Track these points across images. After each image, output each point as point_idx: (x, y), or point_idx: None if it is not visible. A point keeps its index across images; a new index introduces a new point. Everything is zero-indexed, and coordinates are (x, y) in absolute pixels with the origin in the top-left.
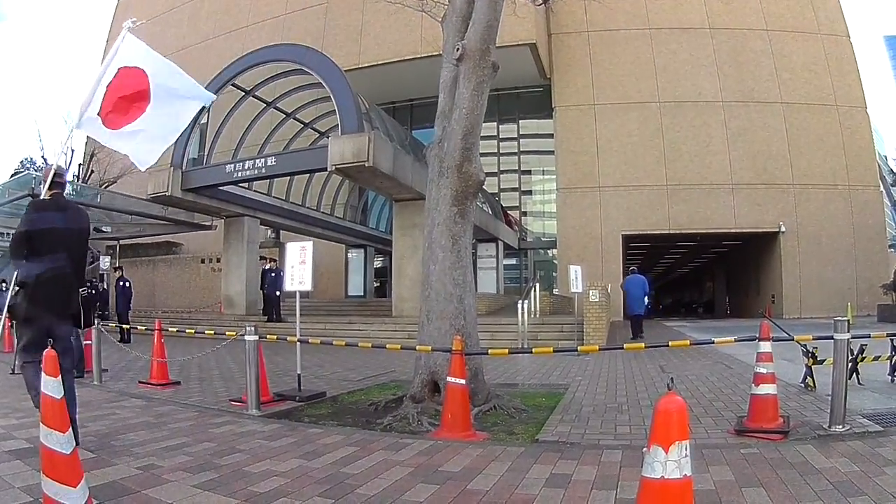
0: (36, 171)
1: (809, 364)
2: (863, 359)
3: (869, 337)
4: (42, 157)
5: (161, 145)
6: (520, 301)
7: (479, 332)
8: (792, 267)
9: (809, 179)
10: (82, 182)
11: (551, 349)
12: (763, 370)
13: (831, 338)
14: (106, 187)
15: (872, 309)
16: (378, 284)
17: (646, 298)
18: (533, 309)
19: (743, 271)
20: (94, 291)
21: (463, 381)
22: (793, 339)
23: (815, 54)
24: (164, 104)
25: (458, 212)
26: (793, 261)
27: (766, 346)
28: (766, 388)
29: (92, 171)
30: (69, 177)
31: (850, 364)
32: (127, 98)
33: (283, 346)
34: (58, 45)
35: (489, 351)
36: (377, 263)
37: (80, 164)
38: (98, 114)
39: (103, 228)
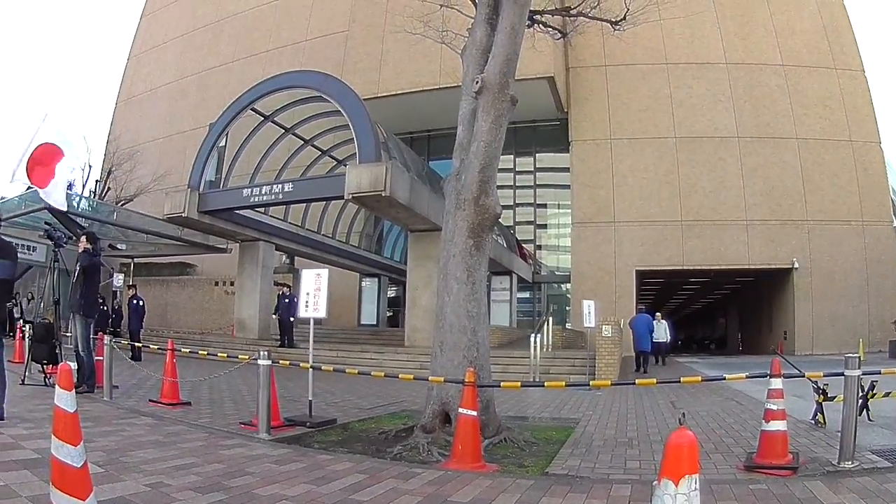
0: None
1: (820, 401)
2: (873, 395)
3: (879, 373)
4: None
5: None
6: (533, 334)
7: (492, 364)
8: (805, 303)
9: (823, 215)
10: (99, 199)
11: (563, 383)
12: (774, 406)
13: (842, 374)
14: (122, 205)
15: (884, 345)
16: (391, 314)
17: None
18: (545, 343)
19: (755, 307)
20: (104, 308)
21: (474, 413)
22: (804, 376)
23: (831, 89)
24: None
25: (473, 244)
26: (805, 297)
27: (776, 383)
28: (777, 425)
29: (108, 188)
30: (86, 192)
31: (860, 400)
32: (46, 163)
33: (295, 371)
34: (79, 60)
35: (501, 383)
36: (391, 293)
37: (97, 181)
38: (26, 173)
39: (118, 246)
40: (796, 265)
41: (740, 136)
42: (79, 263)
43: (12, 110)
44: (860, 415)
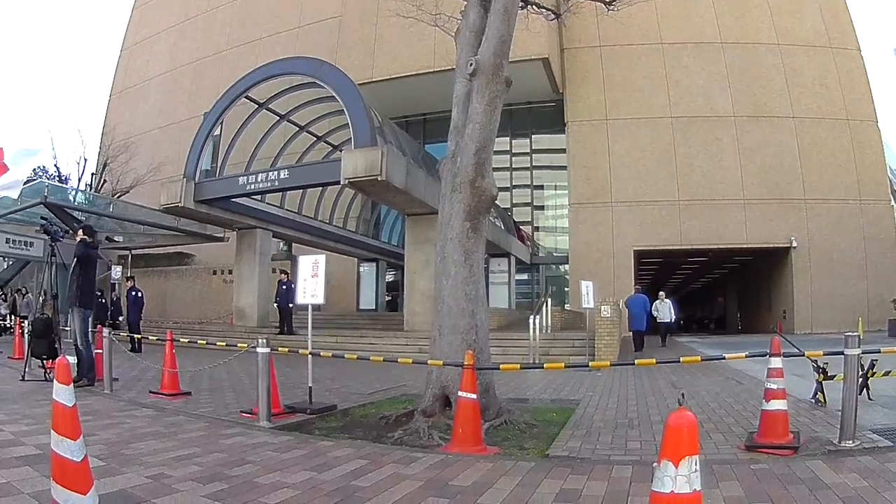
0: (48, 178)
1: (820, 380)
2: (873, 374)
3: (879, 352)
4: (55, 165)
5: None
6: (531, 316)
7: (491, 347)
8: (803, 282)
9: (821, 194)
10: (95, 191)
11: (563, 365)
12: (774, 386)
13: (842, 353)
14: (119, 197)
15: (883, 324)
16: (390, 298)
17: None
18: (544, 324)
19: (754, 287)
20: (102, 300)
21: (474, 396)
22: (803, 355)
23: (827, 68)
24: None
25: (470, 227)
26: (804, 276)
27: (776, 362)
28: (777, 404)
29: (104, 181)
30: (82, 185)
31: (860, 379)
32: None
33: (294, 358)
34: (72, 53)
35: (501, 366)
36: (389, 277)
37: (92, 174)
38: None
39: (115, 238)
40: (794, 244)
41: (736, 116)
42: (75, 255)
43: (9, 103)
44: (860, 394)
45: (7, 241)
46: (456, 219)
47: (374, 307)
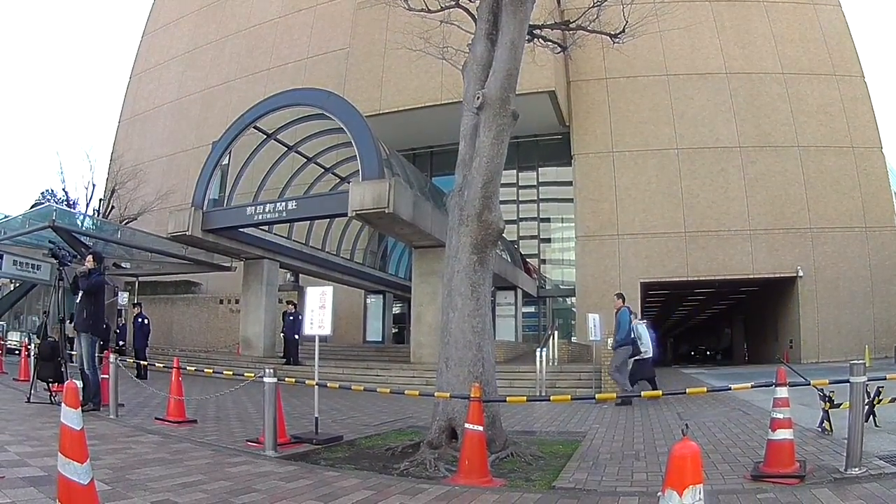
0: (56, 202)
1: (826, 408)
2: (879, 401)
3: (885, 379)
4: (63, 189)
5: None
6: (538, 349)
7: (498, 379)
8: (810, 311)
9: (826, 222)
10: (103, 217)
11: (569, 397)
12: (780, 415)
13: (848, 381)
14: (126, 223)
15: (890, 350)
16: (396, 330)
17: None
18: (551, 357)
19: (761, 317)
20: (106, 326)
21: (480, 428)
22: (809, 384)
23: (831, 96)
24: None
25: (477, 260)
26: (811, 305)
27: (782, 392)
28: (783, 434)
29: (112, 207)
30: (90, 211)
31: (866, 406)
32: None
33: (301, 389)
34: (82, 77)
35: (507, 398)
36: (396, 309)
37: (100, 200)
38: None
39: (122, 264)
40: (800, 273)
41: (742, 146)
42: (81, 288)
43: (19, 128)
44: (867, 421)
45: (14, 262)
46: (463, 252)
47: (380, 339)
